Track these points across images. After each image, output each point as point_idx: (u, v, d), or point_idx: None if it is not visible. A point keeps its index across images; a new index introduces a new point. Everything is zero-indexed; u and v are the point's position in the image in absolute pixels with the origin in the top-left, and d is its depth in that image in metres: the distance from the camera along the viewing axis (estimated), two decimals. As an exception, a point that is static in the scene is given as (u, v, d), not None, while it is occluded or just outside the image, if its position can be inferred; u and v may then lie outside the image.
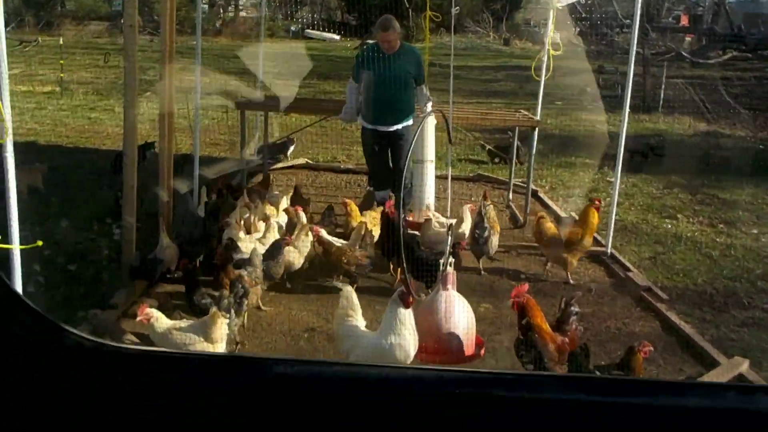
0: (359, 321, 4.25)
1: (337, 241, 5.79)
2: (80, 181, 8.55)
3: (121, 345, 1.33)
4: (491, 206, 6.64)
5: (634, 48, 6.47)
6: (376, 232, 6.22)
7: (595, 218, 6.26)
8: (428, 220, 5.91)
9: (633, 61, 6.47)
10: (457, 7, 7.19)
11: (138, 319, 4.14)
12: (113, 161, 8.00)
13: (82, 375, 1.17)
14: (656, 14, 31.13)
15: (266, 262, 5.27)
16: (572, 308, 4.07)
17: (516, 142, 8.78)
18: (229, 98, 10.12)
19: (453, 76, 6.98)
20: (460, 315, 4.13)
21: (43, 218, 6.61)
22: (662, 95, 18.35)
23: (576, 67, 22.45)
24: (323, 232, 5.73)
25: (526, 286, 4.00)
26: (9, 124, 3.23)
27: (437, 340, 4.09)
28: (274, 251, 5.40)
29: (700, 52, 27.77)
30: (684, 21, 38.30)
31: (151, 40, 20.32)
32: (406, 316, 3.94)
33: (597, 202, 6.42)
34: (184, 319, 4.46)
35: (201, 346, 4.09)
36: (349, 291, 4.32)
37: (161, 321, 4.18)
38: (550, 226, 6.39)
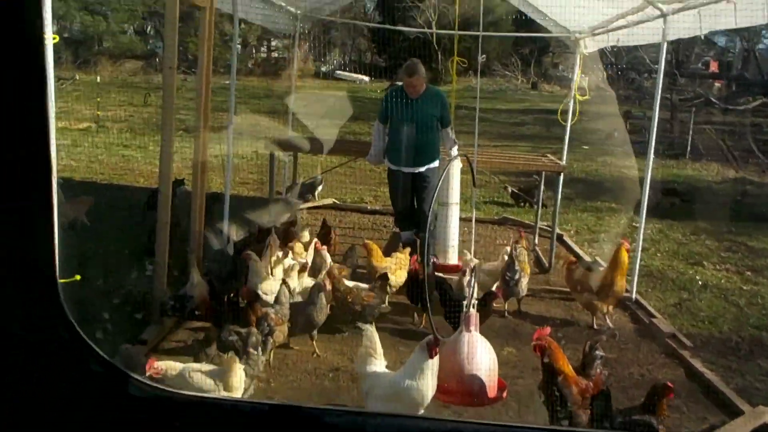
0: (380, 361, 4.30)
1: (349, 283, 5.86)
2: (114, 217, 8.75)
3: (187, 393, 1.35)
4: (523, 249, 6.70)
5: (659, 94, 6.55)
6: (402, 275, 6.28)
7: (625, 261, 6.25)
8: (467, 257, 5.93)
9: (657, 107, 6.54)
10: (484, 55, 7.34)
11: (148, 374, 4.13)
12: (148, 198, 8.18)
13: (148, 423, 1.20)
14: (685, 60, 31.25)
15: (308, 307, 5.30)
16: (597, 352, 4.10)
17: (542, 186, 8.85)
18: (261, 139, 10.28)
19: (479, 119, 7.08)
20: (482, 357, 4.17)
21: (80, 253, 6.77)
22: (690, 141, 18.33)
23: (604, 111, 22.57)
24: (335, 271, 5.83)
25: (548, 330, 4.04)
26: (54, 160, 3.37)
27: (459, 382, 4.13)
28: (314, 297, 5.34)
29: (729, 98, 27.73)
30: (713, 67, 38.34)
31: (184, 78, 20.78)
32: (430, 363, 4.01)
33: (626, 243, 6.35)
34: (204, 363, 4.50)
35: (218, 392, 4.15)
36: (372, 331, 4.39)
37: (171, 368, 4.21)
38: (581, 271, 6.45)
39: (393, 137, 7.31)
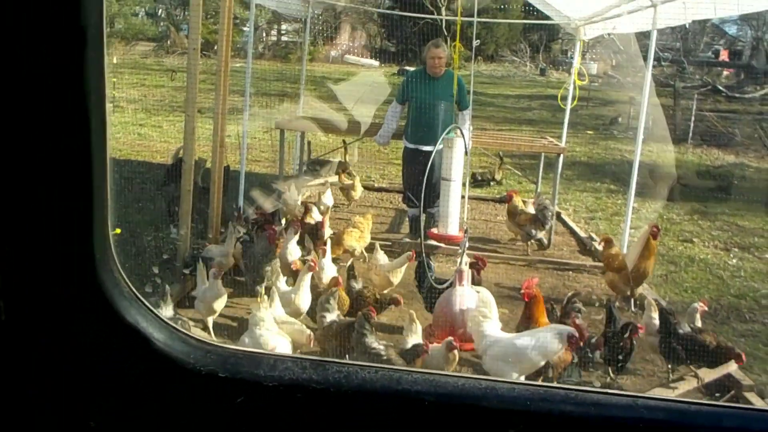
0: (494, 321, 4.57)
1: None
2: (135, 190, 9.25)
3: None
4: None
5: (649, 80, 6.98)
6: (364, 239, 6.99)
7: (654, 248, 6.44)
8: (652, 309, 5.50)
9: (647, 94, 6.99)
10: (478, 40, 7.80)
11: None
12: (167, 170, 8.64)
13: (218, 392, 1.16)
14: (694, 48, 31.42)
15: None
16: (574, 304, 4.58)
17: (540, 167, 9.29)
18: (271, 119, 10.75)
19: (486, 103, 7.54)
20: (473, 308, 4.67)
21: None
22: (692, 127, 18.69)
23: (610, 98, 22.93)
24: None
25: (536, 280, 4.51)
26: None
27: (453, 329, 4.63)
28: None
29: (736, 86, 27.93)
30: (724, 56, 38.39)
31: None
32: (557, 348, 4.25)
33: (654, 229, 6.51)
34: None
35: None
36: (486, 293, 4.69)
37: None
38: (618, 252, 6.65)
39: (411, 116, 7.68)
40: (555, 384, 3.66)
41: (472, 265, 5.41)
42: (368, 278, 5.98)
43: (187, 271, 5.86)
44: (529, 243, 7.88)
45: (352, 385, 1.15)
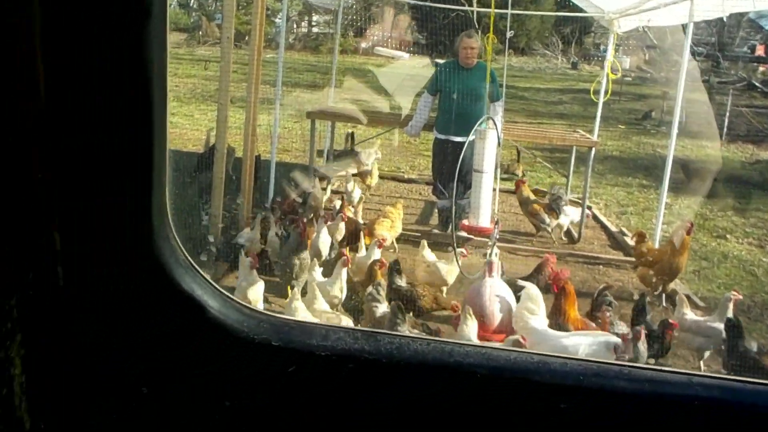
0: (542, 317, 4.52)
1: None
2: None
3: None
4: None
5: (684, 76, 6.89)
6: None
7: (688, 244, 6.37)
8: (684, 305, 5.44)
9: (682, 88, 6.89)
10: (512, 31, 7.76)
11: None
12: (200, 157, 8.71)
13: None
14: (729, 43, 30.96)
15: None
16: (605, 297, 4.56)
17: (572, 161, 9.22)
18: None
19: (517, 97, 7.50)
20: (502, 298, 4.66)
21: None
22: (726, 123, 18.41)
23: (642, 92, 22.65)
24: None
25: (567, 273, 4.50)
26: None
27: (484, 319, 4.63)
28: None
29: (772, 82, 27.47)
30: (760, 51, 37.76)
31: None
32: (604, 356, 4.17)
33: (689, 225, 6.49)
34: None
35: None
36: (534, 289, 4.66)
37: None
38: (651, 247, 6.64)
39: (443, 106, 7.69)
40: (608, 360, 3.60)
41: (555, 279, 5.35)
42: (414, 276, 5.96)
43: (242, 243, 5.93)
44: (549, 232, 7.90)
45: (404, 356, 1.15)
